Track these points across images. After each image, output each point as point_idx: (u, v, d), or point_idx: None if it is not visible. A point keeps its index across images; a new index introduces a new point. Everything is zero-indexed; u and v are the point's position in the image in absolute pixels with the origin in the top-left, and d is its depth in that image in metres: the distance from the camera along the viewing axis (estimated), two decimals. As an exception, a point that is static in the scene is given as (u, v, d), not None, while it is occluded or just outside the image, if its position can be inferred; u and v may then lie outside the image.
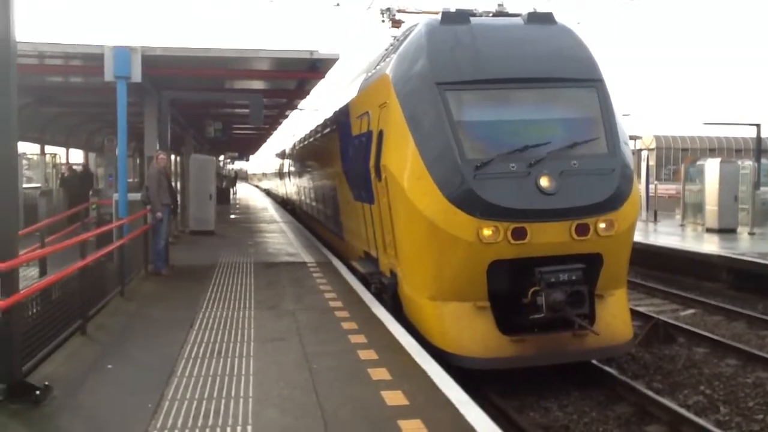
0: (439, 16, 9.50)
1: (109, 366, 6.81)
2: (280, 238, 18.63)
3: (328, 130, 15.65)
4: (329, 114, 15.73)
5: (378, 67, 11.11)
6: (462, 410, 5.50)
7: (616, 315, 8.70)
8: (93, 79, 12.21)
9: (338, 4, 31.14)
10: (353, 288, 10.80)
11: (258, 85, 15.57)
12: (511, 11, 11.70)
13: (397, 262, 9.26)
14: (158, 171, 12.26)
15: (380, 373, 6.43)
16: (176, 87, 14.65)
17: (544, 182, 8.14)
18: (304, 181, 21.80)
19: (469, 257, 8.10)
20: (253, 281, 11.44)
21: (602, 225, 8.26)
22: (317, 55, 11.76)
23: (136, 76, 11.07)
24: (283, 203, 34.71)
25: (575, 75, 9.03)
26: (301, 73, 13.77)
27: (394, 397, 5.78)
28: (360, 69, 14.06)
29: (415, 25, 10.01)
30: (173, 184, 14.68)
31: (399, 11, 23.61)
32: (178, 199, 16.93)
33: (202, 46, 11.89)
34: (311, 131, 19.55)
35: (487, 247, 8.01)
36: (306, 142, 20.98)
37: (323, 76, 13.58)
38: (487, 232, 7.96)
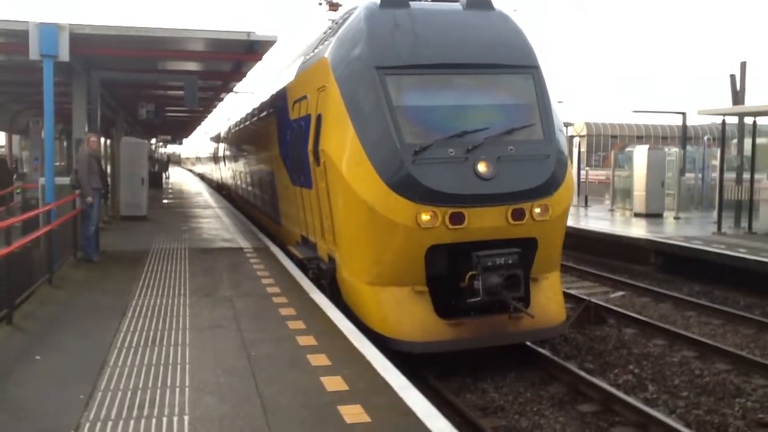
0: (378, 0, 9.44)
1: (38, 357, 6.57)
2: (216, 223, 18.31)
3: (265, 113, 15.40)
4: (266, 97, 15.48)
5: (316, 50, 10.98)
6: (401, 394, 5.54)
7: (550, 298, 8.92)
8: (17, 57, 11.66)
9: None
10: (291, 273, 10.72)
11: (193, 66, 15.16)
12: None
13: (335, 247, 9.22)
14: (88, 154, 11.85)
15: (319, 359, 6.41)
16: (107, 67, 14.13)
17: (481, 168, 8.22)
18: (241, 166, 21.44)
19: (407, 242, 8.13)
20: (188, 267, 11.21)
21: (537, 210, 8.43)
22: (254, 37, 11.50)
23: (64, 54, 10.58)
24: (219, 188, 34.07)
25: (512, 61, 9.14)
26: (237, 55, 13.47)
27: (334, 383, 5.77)
28: (298, 52, 13.87)
29: (354, 8, 9.92)
30: (104, 167, 14.21)
31: (337, -6, 23.37)
32: (109, 183, 16.42)
33: (135, 25, 11.45)
34: (248, 114, 19.22)
35: (426, 232, 8.06)
36: (242, 126, 20.61)
37: (260, 58, 13.33)
38: (425, 217, 8.01)
